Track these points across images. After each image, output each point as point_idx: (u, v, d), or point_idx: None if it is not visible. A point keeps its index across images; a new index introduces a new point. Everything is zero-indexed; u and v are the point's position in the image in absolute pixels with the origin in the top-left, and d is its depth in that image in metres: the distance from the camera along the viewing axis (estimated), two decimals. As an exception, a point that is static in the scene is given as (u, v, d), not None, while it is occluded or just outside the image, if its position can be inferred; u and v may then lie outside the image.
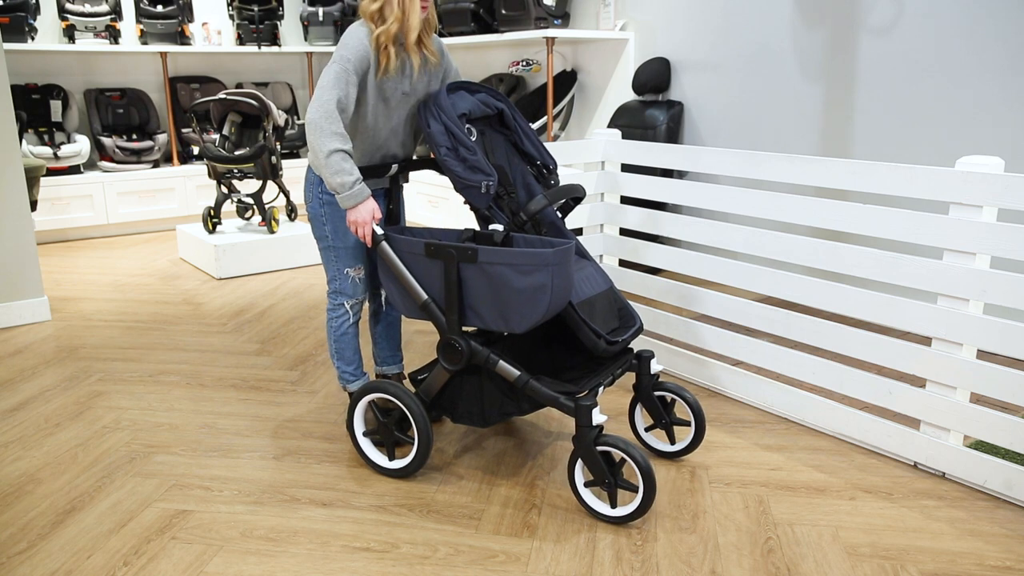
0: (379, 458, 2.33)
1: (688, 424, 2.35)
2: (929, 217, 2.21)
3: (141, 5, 5.85)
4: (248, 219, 5.06)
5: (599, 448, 2.03)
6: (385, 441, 2.32)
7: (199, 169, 5.93)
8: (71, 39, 5.64)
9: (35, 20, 5.53)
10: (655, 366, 2.33)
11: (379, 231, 2.19)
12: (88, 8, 5.66)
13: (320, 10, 6.35)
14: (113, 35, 5.74)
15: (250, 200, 4.88)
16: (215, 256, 4.52)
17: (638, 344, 3.12)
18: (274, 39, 6.34)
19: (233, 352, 3.36)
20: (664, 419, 2.37)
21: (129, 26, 6.01)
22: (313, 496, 2.21)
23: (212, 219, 4.77)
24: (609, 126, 4.55)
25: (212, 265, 4.57)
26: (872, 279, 2.38)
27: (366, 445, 2.35)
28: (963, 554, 1.93)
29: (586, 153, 3.08)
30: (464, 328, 2.18)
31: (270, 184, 5.84)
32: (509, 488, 2.24)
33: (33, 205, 3.88)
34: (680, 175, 4.26)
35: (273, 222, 4.81)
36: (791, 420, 2.67)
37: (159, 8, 5.87)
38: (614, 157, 3.11)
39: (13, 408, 2.80)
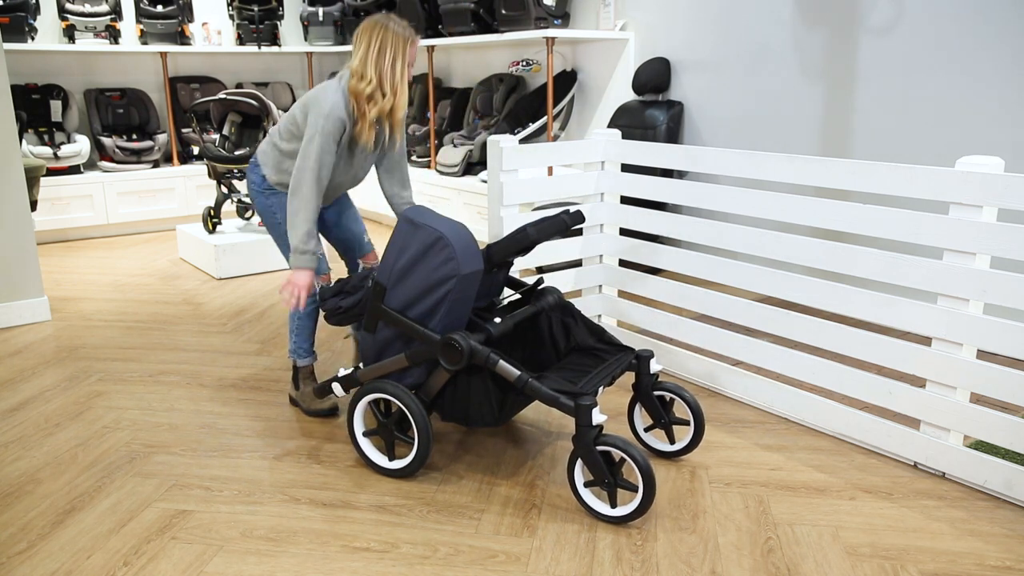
0: (379, 458, 2.33)
1: (687, 423, 2.36)
2: (929, 217, 2.21)
3: (141, 5, 5.85)
4: (248, 219, 5.06)
5: (599, 448, 2.03)
6: (385, 437, 2.33)
7: (199, 169, 5.93)
8: (71, 39, 5.65)
9: (35, 20, 5.54)
10: (654, 366, 2.34)
11: (316, 288, 2.52)
12: (88, 8, 5.66)
13: (320, 10, 6.35)
14: (113, 35, 5.74)
15: (250, 200, 4.88)
16: (215, 256, 4.52)
17: (639, 344, 3.12)
18: (274, 39, 6.34)
19: (233, 352, 3.36)
20: (663, 419, 2.38)
21: (129, 26, 6.01)
22: (313, 496, 2.21)
23: (212, 219, 4.77)
24: (609, 126, 4.55)
25: (212, 265, 4.57)
26: (872, 279, 2.38)
27: (366, 445, 2.35)
28: (963, 554, 1.93)
29: (586, 153, 3.08)
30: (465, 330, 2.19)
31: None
32: (509, 488, 2.25)
33: (33, 205, 3.88)
34: (680, 175, 4.26)
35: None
36: (791, 420, 2.67)
37: (159, 8, 5.87)
38: (614, 157, 3.11)
39: (13, 408, 2.80)
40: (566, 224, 2.35)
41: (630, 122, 4.36)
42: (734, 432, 2.59)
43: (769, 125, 4.01)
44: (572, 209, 2.45)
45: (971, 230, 2.13)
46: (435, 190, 5.27)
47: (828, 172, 2.44)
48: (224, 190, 4.84)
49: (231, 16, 6.37)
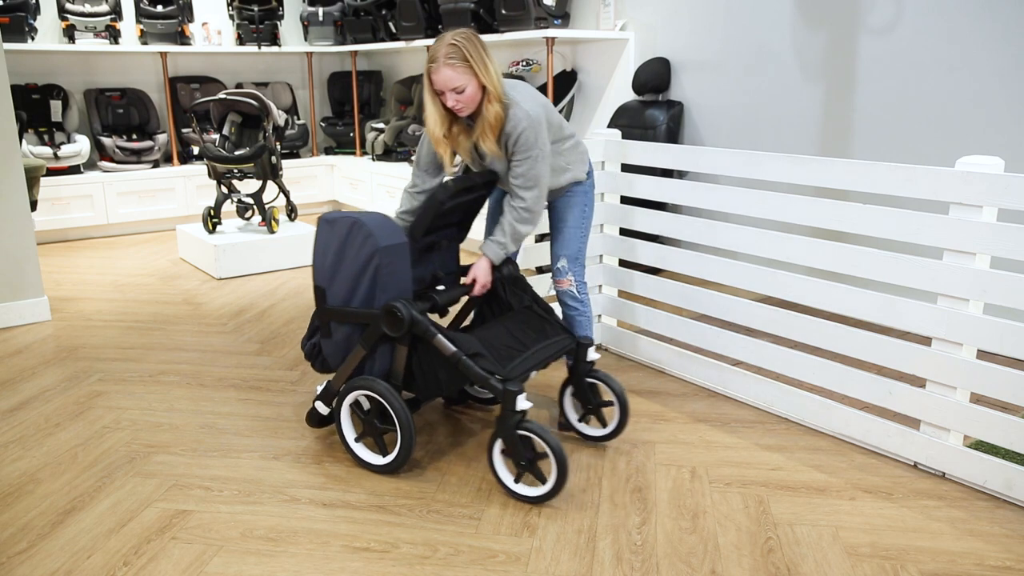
0: (375, 458, 2.34)
1: (611, 404, 2.47)
2: (929, 217, 2.21)
3: (141, 5, 5.85)
4: (248, 219, 5.06)
5: (519, 432, 2.13)
6: (373, 435, 2.37)
7: (199, 169, 5.93)
8: (71, 39, 5.64)
9: (35, 20, 5.53)
10: (592, 355, 2.45)
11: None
12: (88, 8, 5.66)
13: (320, 10, 6.35)
14: (113, 35, 5.74)
15: (250, 200, 4.88)
16: (215, 256, 4.52)
17: (639, 344, 3.12)
18: (274, 39, 6.34)
19: (233, 352, 3.36)
20: (591, 403, 2.51)
21: (129, 26, 6.00)
22: (313, 496, 2.21)
23: (212, 219, 4.77)
24: (609, 126, 4.55)
25: (212, 265, 4.57)
26: (872, 279, 2.38)
27: (360, 450, 2.38)
28: (963, 554, 1.93)
29: (586, 153, 3.07)
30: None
31: (270, 184, 5.84)
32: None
33: (33, 205, 3.87)
34: (680, 175, 4.26)
35: (273, 222, 4.81)
36: (791, 420, 2.67)
37: (159, 8, 5.87)
38: (614, 157, 3.11)
39: (13, 408, 2.80)
40: (475, 182, 2.41)
41: (630, 122, 4.36)
42: (734, 432, 2.59)
43: (769, 125, 4.01)
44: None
45: (971, 230, 2.13)
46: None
47: (828, 172, 2.44)
48: (224, 190, 4.84)
49: (231, 16, 6.36)
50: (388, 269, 2.23)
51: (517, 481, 2.19)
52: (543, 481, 2.14)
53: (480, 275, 2.44)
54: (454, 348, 2.17)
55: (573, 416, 2.56)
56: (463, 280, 2.49)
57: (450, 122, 2.38)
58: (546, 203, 2.61)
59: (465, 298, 2.56)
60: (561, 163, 2.52)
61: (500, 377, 2.14)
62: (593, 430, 2.53)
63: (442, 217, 2.41)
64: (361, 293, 2.27)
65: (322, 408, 2.47)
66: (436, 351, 2.23)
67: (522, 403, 2.11)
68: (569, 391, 2.55)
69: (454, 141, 2.41)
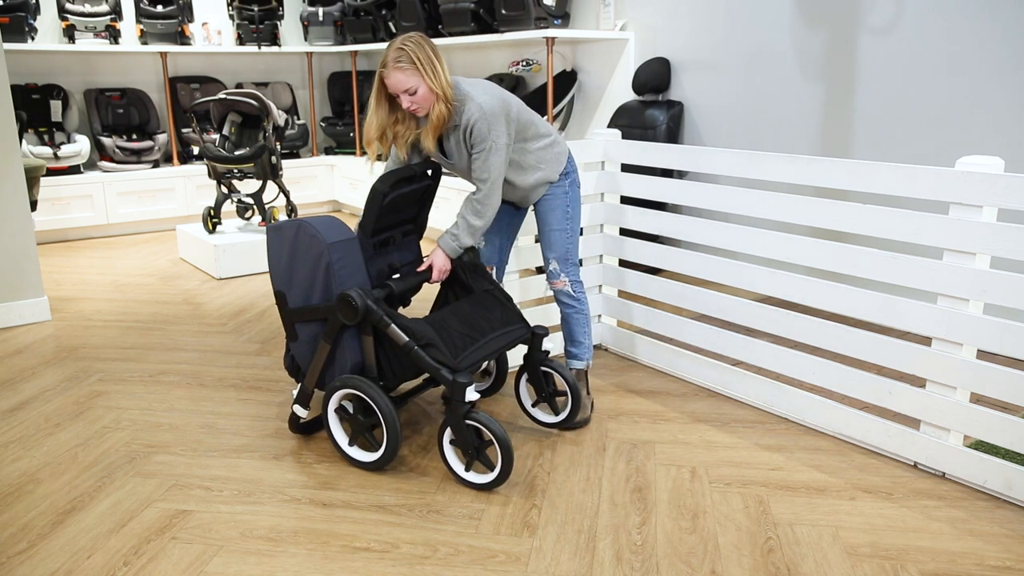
0: (370, 456, 2.34)
1: (565, 395, 2.56)
2: (929, 217, 2.21)
3: (141, 5, 5.85)
4: (248, 219, 5.06)
5: (467, 422, 2.18)
6: (360, 431, 2.38)
7: (199, 169, 5.93)
8: (71, 39, 5.64)
9: (35, 20, 5.53)
10: (546, 344, 2.51)
11: None
12: (88, 8, 5.66)
13: (320, 10, 6.35)
14: (113, 35, 5.74)
15: (250, 200, 4.88)
16: (215, 256, 4.52)
17: (640, 345, 3.12)
18: (274, 39, 6.34)
19: (233, 352, 3.36)
20: (545, 392, 2.58)
21: (129, 26, 6.01)
22: (313, 496, 2.21)
23: (212, 219, 4.77)
24: (609, 126, 4.55)
25: (212, 265, 4.57)
26: (872, 279, 2.38)
27: (355, 452, 2.37)
28: (963, 554, 1.93)
29: (586, 153, 3.08)
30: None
31: (270, 184, 5.84)
32: (509, 488, 2.24)
33: (33, 205, 3.87)
34: (680, 175, 4.26)
35: (273, 222, 4.81)
36: (791, 420, 2.67)
37: (159, 8, 5.87)
38: (614, 157, 3.11)
39: (13, 408, 2.80)
40: (413, 171, 2.47)
41: (630, 122, 4.36)
42: (734, 432, 2.59)
43: (769, 125, 4.01)
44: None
45: (971, 230, 2.13)
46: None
47: (828, 172, 2.44)
48: (224, 190, 4.84)
49: (231, 16, 6.36)
50: (339, 264, 2.28)
51: (467, 470, 2.26)
52: (491, 468, 2.21)
53: (437, 261, 2.48)
54: (406, 338, 2.21)
55: (527, 402, 2.65)
56: (420, 268, 2.53)
57: (393, 123, 2.46)
58: (502, 200, 2.60)
59: (439, 287, 2.61)
60: (531, 161, 2.52)
61: (451, 368, 2.19)
62: (546, 416, 2.61)
63: (391, 211, 2.46)
64: (318, 291, 2.32)
65: (300, 411, 2.49)
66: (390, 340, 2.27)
67: (471, 394, 2.17)
68: (524, 379, 2.63)
69: (396, 141, 2.50)
